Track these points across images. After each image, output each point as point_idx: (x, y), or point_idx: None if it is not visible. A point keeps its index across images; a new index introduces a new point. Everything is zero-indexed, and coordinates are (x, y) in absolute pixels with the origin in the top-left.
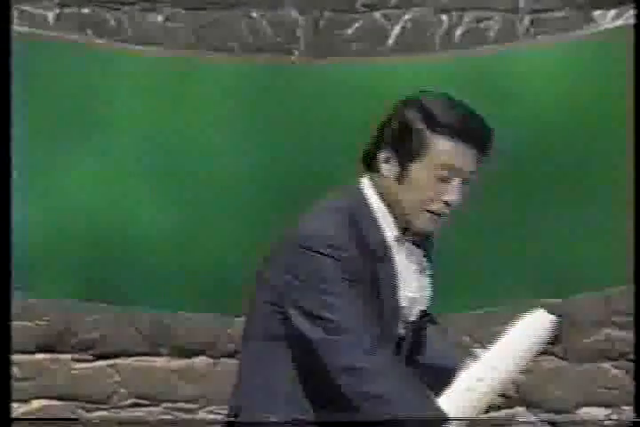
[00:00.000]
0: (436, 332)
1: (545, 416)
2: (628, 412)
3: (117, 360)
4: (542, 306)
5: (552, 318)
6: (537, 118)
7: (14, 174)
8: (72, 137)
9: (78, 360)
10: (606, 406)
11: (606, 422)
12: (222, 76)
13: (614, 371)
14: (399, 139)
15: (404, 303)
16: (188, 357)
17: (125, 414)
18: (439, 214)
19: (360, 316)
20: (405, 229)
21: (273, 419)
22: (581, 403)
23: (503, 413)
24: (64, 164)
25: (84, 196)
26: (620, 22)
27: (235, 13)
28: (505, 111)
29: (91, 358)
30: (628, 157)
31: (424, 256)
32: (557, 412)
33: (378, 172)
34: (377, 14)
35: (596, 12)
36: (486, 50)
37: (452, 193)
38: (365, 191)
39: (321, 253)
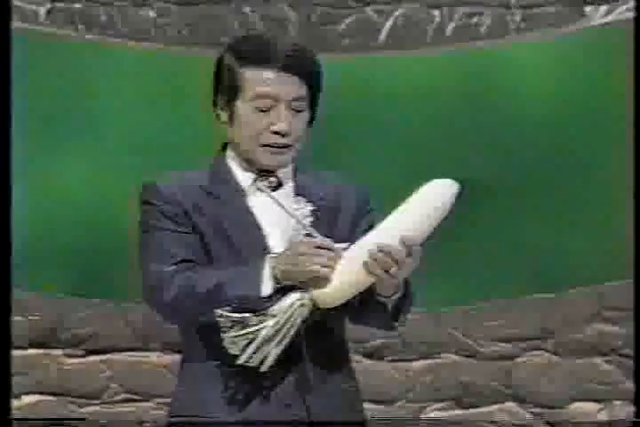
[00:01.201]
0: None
1: (536, 411)
2: (619, 407)
3: (109, 356)
4: (536, 303)
5: (455, 185)
6: (529, 114)
7: (13, 171)
8: (66, 134)
9: (70, 356)
10: (598, 401)
11: (598, 418)
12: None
13: (606, 366)
14: (219, 82)
15: (273, 243)
16: (180, 352)
17: (117, 409)
18: (277, 147)
19: (166, 255)
20: (265, 174)
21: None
22: (573, 398)
23: (495, 408)
24: (60, 160)
25: (77, 192)
26: (611, 18)
27: (226, 8)
28: (496, 106)
29: (83, 353)
30: (622, 153)
31: (309, 202)
32: (549, 407)
33: (221, 121)
34: (369, 9)
35: (588, 8)
36: (478, 45)
37: (280, 123)
38: (225, 151)
39: (145, 201)
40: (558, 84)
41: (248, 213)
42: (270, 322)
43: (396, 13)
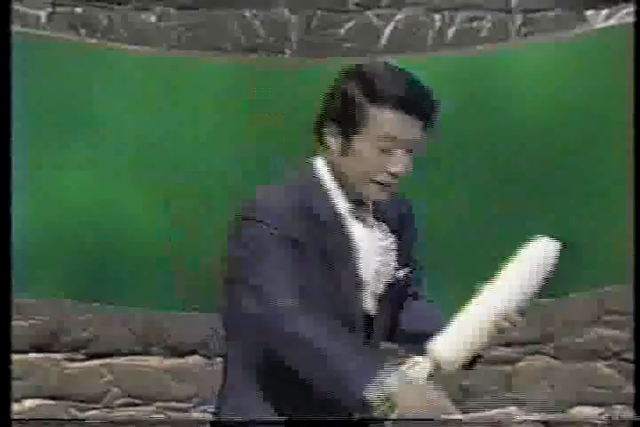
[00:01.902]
0: (422, 304)
1: (537, 415)
2: (619, 411)
3: (110, 360)
4: (536, 307)
5: (556, 244)
6: (530, 117)
7: (14, 173)
8: (67, 136)
9: (71, 360)
10: (598, 405)
11: (598, 422)
12: (215, 76)
13: (606, 370)
14: (341, 111)
15: (367, 276)
16: (181, 356)
17: (118, 413)
18: (386, 185)
19: (294, 286)
20: (359, 202)
21: (250, 418)
22: (573, 402)
23: (496, 412)
24: (61, 163)
25: (77, 195)
26: (612, 22)
27: (227, 13)
28: (497, 110)
29: (83, 357)
30: (622, 157)
31: (390, 232)
32: (550, 411)
33: (325, 144)
34: (369, 14)
35: (589, 12)
36: (478, 49)
37: (397, 164)
38: (316, 164)
39: (257, 221)
40: (559, 87)
41: (348, 240)
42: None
43: (397, 17)
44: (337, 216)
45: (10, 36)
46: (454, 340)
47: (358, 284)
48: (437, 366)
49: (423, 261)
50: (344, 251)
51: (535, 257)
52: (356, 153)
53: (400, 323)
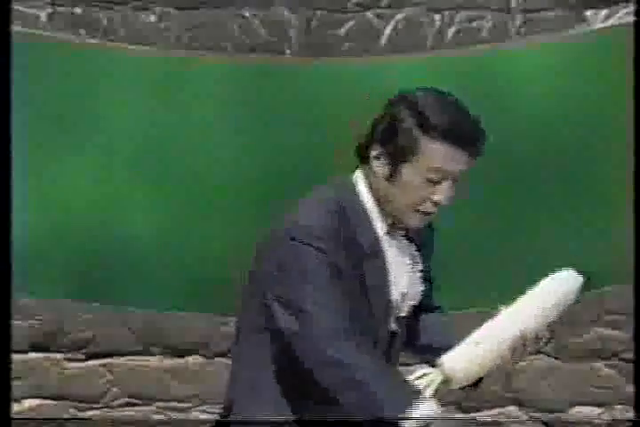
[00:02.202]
0: (434, 316)
1: (537, 415)
2: (619, 411)
3: (110, 360)
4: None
5: (580, 278)
6: (530, 118)
7: (13, 173)
8: (67, 136)
9: (71, 360)
10: (598, 405)
11: (598, 422)
12: (215, 76)
13: (606, 370)
14: (390, 137)
15: (396, 297)
16: (181, 356)
17: (118, 413)
18: (428, 214)
19: (338, 309)
20: (394, 224)
21: (259, 418)
22: (574, 402)
23: (496, 411)
24: (61, 163)
25: (76, 195)
26: (611, 22)
27: (227, 13)
28: (497, 111)
29: (83, 357)
30: (622, 157)
31: (416, 250)
32: (550, 411)
33: (370, 166)
34: (369, 14)
35: (588, 12)
36: (478, 49)
37: (442, 194)
38: (357, 184)
39: (304, 244)
40: (559, 87)
41: (384, 265)
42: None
43: (397, 17)
44: (375, 241)
45: (10, 36)
46: (467, 357)
47: (389, 307)
48: (446, 381)
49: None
50: (379, 275)
51: (559, 290)
52: (403, 182)
53: (414, 337)
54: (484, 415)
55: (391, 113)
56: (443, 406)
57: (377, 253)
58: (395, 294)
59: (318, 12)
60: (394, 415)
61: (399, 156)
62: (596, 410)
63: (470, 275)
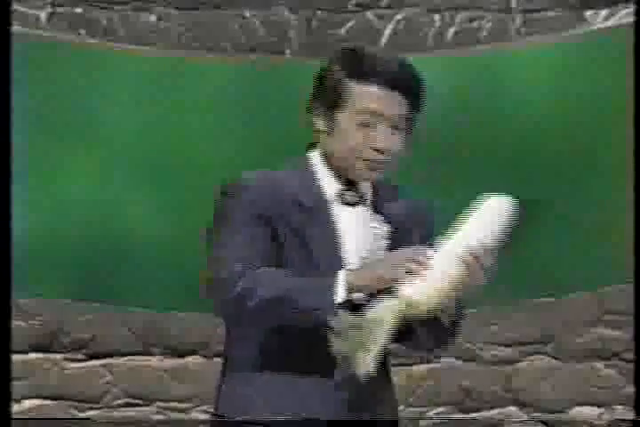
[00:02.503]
0: None
1: (537, 415)
2: (620, 411)
3: (110, 360)
4: (536, 307)
5: (509, 202)
6: (530, 118)
7: (14, 174)
8: (68, 136)
9: (71, 360)
10: (599, 405)
11: (598, 422)
12: (215, 76)
13: (607, 370)
14: (322, 89)
15: (352, 260)
16: (181, 356)
17: (118, 414)
18: (375, 162)
19: (242, 250)
20: (353, 188)
21: (259, 418)
22: (574, 402)
23: (496, 412)
24: (60, 164)
25: (78, 196)
26: (612, 22)
27: (227, 13)
28: (497, 111)
29: (83, 357)
30: (622, 157)
31: (386, 222)
32: (550, 411)
33: (315, 128)
34: (369, 14)
35: (588, 12)
36: (478, 49)
37: (380, 139)
38: (312, 153)
39: (229, 195)
40: (559, 88)
41: (331, 225)
42: (380, 327)
43: (397, 18)
44: (321, 200)
45: (10, 37)
46: (423, 282)
47: (340, 266)
48: (407, 307)
49: None
50: (326, 235)
51: (491, 213)
52: (340, 130)
53: None
54: (484, 416)
55: (325, 67)
56: (442, 405)
57: (323, 214)
58: (351, 255)
59: (318, 13)
60: (323, 313)
61: (332, 104)
62: (597, 410)
63: None
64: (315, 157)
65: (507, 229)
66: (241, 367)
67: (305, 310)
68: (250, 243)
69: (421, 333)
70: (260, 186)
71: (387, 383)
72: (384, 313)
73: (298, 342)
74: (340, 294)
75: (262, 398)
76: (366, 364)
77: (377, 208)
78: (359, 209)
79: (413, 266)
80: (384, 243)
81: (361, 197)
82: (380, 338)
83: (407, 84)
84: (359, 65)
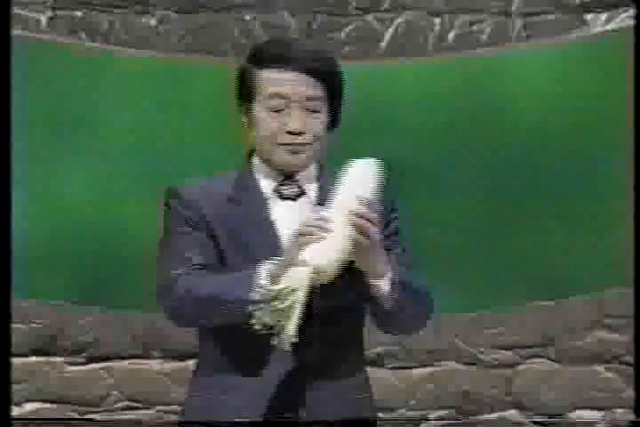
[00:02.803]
0: None
1: (538, 419)
2: (620, 414)
3: (111, 363)
4: (536, 310)
5: (374, 162)
6: (530, 121)
7: (14, 175)
8: (66, 141)
9: (71, 363)
10: (599, 408)
11: (598, 425)
12: (215, 79)
13: (607, 374)
14: (239, 86)
15: None
16: (182, 359)
17: (118, 417)
18: (294, 145)
19: (187, 261)
20: (292, 184)
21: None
22: (574, 406)
23: (496, 415)
24: (61, 165)
25: (78, 199)
26: (612, 25)
27: (227, 16)
28: (498, 114)
29: (84, 360)
30: (622, 161)
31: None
32: (550, 415)
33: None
34: (370, 17)
35: (589, 15)
36: (479, 53)
37: (293, 121)
38: (254, 156)
39: (166, 205)
40: (559, 91)
41: (267, 221)
42: (297, 294)
43: (398, 21)
44: (258, 198)
45: (10, 40)
46: (319, 247)
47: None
48: (315, 274)
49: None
50: (262, 232)
51: (361, 172)
52: (257, 120)
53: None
54: (484, 419)
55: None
56: (443, 408)
57: (260, 215)
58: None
59: (318, 16)
60: (242, 305)
61: (247, 96)
62: (597, 414)
63: (470, 281)
64: (255, 158)
65: (377, 185)
66: (202, 369)
67: (231, 305)
68: (184, 248)
69: (376, 315)
70: (189, 191)
71: (358, 385)
72: (296, 281)
73: (253, 342)
74: (263, 284)
75: (218, 399)
76: (288, 332)
77: (319, 201)
78: (300, 202)
79: (315, 232)
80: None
81: (301, 190)
82: (297, 305)
83: (315, 65)
84: (267, 52)
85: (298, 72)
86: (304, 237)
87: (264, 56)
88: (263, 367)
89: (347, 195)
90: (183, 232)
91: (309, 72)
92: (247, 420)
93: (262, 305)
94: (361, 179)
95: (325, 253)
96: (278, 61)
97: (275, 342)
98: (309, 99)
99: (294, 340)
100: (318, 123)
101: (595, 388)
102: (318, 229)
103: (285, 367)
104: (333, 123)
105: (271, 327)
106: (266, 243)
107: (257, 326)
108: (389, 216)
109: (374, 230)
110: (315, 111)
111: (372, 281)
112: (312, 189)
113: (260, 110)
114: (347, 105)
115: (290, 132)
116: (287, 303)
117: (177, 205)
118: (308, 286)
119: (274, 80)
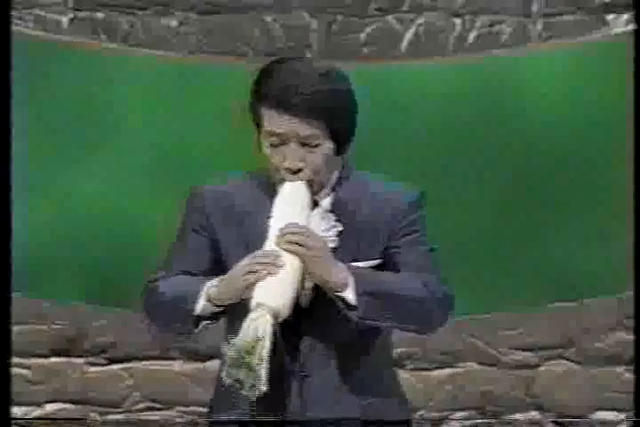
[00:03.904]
0: None
1: (558, 420)
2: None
3: (131, 364)
4: (557, 311)
5: (301, 184)
6: (551, 122)
7: (29, 176)
8: (84, 143)
9: (92, 364)
10: (620, 410)
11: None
12: (235, 81)
13: (627, 375)
14: (250, 108)
15: None
16: (202, 360)
17: (139, 417)
18: (293, 180)
19: (175, 263)
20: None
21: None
22: (595, 407)
23: (516, 416)
24: (78, 165)
25: (97, 197)
26: (633, 26)
27: (247, 17)
28: (518, 115)
29: (104, 361)
30: None
31: (339, 223)
32: (571, 416)
33: None
34: (390, 18)
35: (609, 16)
36: (499, 53)
37: (288, 159)
38: None
39: (185, 206)
40: (579, 91)
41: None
42: (265, 344)
43: (418, 22)
44: (268, 207)
45: (10, 37)
46: (274, 286)
47: None
48: (275, 315)
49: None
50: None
51: (289, 195)
52: (264, 152)
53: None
54: (504, 420)
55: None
56: (463, 410)
57: (265, 219)
58: None
59: (338, 17)
60: (183, 325)
61: (256, 126)
62: (618, 415)
63: (491, 282)
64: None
65: (307, 205)
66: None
67: (172, 320)
68: (178, 252)
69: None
70: (206, 194)
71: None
72: (260, 330)
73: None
74: (199, 308)
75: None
76: (258, 384)
77: (333, 208)
78: (313, 213)
79: (259, 267)
80: (331, 245)
81: (314, 201)
82: (265, 355)
83: (311, 107)
84: (266, 89)
85: (293, 115)
86: (254, 274)
87: (263, 93)
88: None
89: (280, 223)
90: (185, 234)
91: (306, 113)
92: (248, 419)
93: (233, 361)
94: (292, 203)
95: (280, 292)
96: (276, 103)
97: (244, 392)
98: (306, 137)
99: (263, 390)
100: (320, 157)
101: (615, 389)
102: (268, 265)
103: (288, 367)
104: (342, 151)
105: (242, 384)
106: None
107: (228, 381)
108: (405, 220)
109: (316, 249)
110: (314, 146)
111: (335, 293)
112: (326, 200)
113: (264, 144)
114: (367, 105)
115: (287, 169)
116: (257, 356)
117: (189, 206)
118: (271, 333)
119: (270, 119)
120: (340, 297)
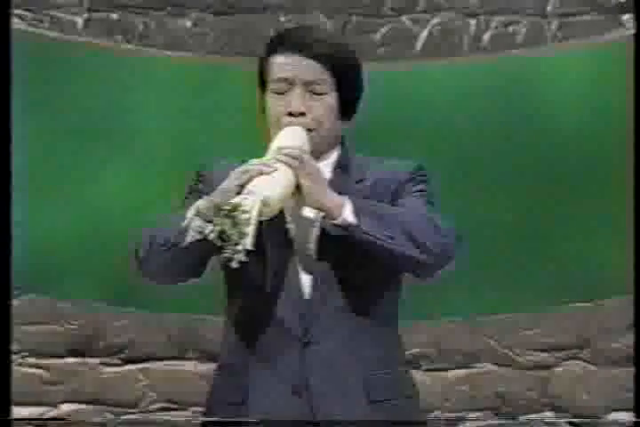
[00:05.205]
0: None
1: (574, 421)
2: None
3: (146, 364)
4: (572, 312)
5: (300, 129)
6: (567, 122)
7: (53, 177)
8: (100, 144)
9: (107, 364)
10: (635, 410)
11: None
12: (250, 81)
13: None
14: (258, 76)
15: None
16: (217, 361)
17: (154, 418)
18: (294, 125)
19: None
20: None
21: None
22: (611, 408)
23: (532, 417)
24: (94, 167)
25: (113, 197)
26: (633, 28)
27: (263, 18)
28: (534, 114)
29: (119, 362)
30: None
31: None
32: (586, 417)
33: None
34: (405, 18)
35: (625, 16)
36: (514, 54)
37: (293, 103)
38: None
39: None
40: (596, 92)
41: (283, 223)
42: (252, 213)
43: (433, 22)
44: None
45: (10, 36)
46: (266, 181)
47: (287, 246)
48: (264, 203)
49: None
50: (276, 232)
51: (290, 131)
52: (266, 106)
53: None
54: (520, 421)
55: None
56: (479, 410)
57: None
58: (293, 230)
59: (353, 17)
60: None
61: (261, 85)
62: (633, 416)
63: (507, 282)
64: None
65: (304, 141)
66: (220, 362)
67: (166, 243)
68: (179, 210)
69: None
70: (215, 167)
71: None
72: (247, 206)
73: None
74: (187, 222)
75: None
76: (243, 242)
77: (339, 190)
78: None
79: (252, 167)
80: (315, 230)
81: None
82: (252, 221)
83: (321, 51)
84: (278, 39)
85: (304, 57)
86: (247, 173)
87: (276, 42)
88: (274, 365)
89: (276, 146)
90: (185, 198)
91: (316, 57)
92: (251, 420)
93: (222, 215)
94: (291, 137)
95: (271, 186)
96: (287, 47)
97: (228, 253)
98: (312, 82)
99: (244, 259)
100: (324, 106)
101: (631, 390)
102: (263, 166)
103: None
104: (347, 112)
105: (228, 238)
106: (274, 229)
107: (212, 236)
108: (413, 181)
109: (310, 166)
110: (319, 94)
111: (334, 214)
112: (328, 178)
113: (268, 96)
114: (381, 105)
115: (290, 114)
116: (246, 215)
117: (192, 181)
118: (256, 216)
119: (279, 65)
120: (338, 216)
